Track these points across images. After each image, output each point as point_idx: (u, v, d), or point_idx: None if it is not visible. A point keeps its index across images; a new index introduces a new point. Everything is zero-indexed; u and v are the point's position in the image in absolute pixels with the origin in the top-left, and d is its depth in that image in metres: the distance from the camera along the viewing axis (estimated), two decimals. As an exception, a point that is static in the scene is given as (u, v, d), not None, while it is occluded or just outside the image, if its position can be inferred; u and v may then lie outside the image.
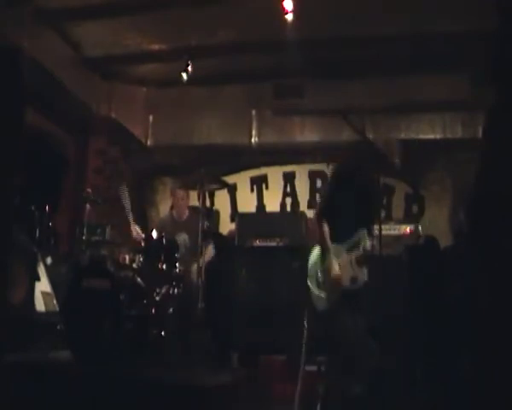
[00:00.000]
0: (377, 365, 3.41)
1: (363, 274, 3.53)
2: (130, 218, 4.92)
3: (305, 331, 3.69)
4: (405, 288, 4.20)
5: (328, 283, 3.56)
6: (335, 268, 3.53)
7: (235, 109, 6.53)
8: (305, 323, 3.69)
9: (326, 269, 3.58)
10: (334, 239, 3.63)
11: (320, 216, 3.74)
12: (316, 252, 3.76)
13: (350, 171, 3.81)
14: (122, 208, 4.92)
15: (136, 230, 4.88)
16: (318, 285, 3.64)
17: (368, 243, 3.55)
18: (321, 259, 3.66)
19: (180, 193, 5.35)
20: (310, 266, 3.75)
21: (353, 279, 3.53)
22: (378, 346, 3.43)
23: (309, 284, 3.69)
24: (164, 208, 6.70)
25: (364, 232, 3.59)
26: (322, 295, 3.60)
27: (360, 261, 3.54)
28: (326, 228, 3.66)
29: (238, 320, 4.93)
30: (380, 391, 3.43)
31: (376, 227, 3.54)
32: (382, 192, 4.00)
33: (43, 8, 4.89)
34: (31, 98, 4.32)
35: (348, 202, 3.65)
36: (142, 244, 4.37)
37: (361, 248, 3.57)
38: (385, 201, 6.16)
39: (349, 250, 3.59)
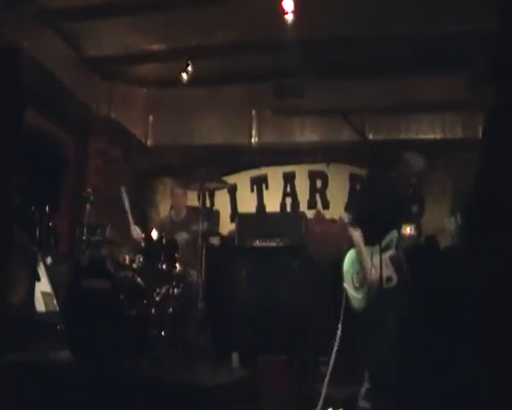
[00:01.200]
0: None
1: (396, 275, 3.69)
2: (131, 219, 4.92)
3: (339, 334, 3.72)
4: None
5: (365, 284, 3.72)
6: (370, 271, 3.66)
7: (235, 109, 6.53)
8: (340, 325, 3.72)
9: (362, 272, 3.75)
10: (368, 242, 3.78)
11: (353, 221, 3.92)
12: (349, 256, 3.88)
13: (376, 174, 3.95)
14: (122, 209, 4.93)
15: (136, 230, 4.88)
16: (355, 287, 3.78)
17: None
18: (357, 261, 3.82)
19: (178, 192, 5.36)
20: (345, 270, 3.91)
21: (388, 279, 3.66)
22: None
23: (345, 286, 3.80)
24: (164, 208, 6.70)
25: (396, 233, 3.74)
26: (360, 296, 3.70)
27: (394, 261, 3.69)
28: (359, 233, 3.85)
29: (238, 320, 4.93)
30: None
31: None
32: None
33: (43, 8, 4.88)
34: (31, 98, 4.32)
35: (378, 205, 3.78)
36: (143, 245, 4.37)
37: (393, 248, 3.73)
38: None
39: (383, 251, 3.66)
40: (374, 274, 3.63)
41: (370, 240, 3.76)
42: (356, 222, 3.91)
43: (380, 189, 3.88)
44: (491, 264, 1.90)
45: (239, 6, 4.79)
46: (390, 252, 3.74)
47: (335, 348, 3.68)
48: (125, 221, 4.93)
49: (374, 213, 3.79)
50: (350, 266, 3.89)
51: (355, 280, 3.80)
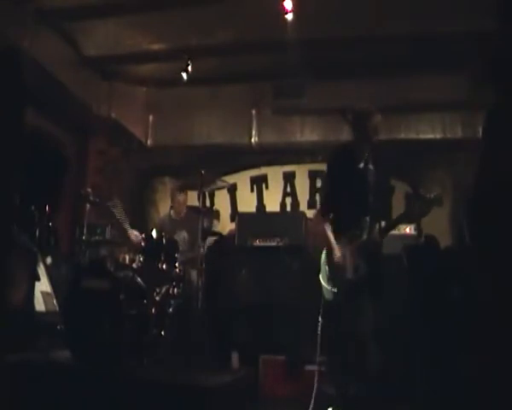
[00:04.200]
0: (378, 365, 3.42)
1: (365, 263, 3.51)
2: (127, 226, 4.89)
3: (320, 329, 3.68)
4: (404, 287, 4.20)
5: (335, 274, 3.58)
6: (338, 258, 3.55)
7: (235, 109, 6.53)
8: (320, 319, 3.68)
9: (332, 262, 3.60)
10: (339, 229, 3.62)
11: (323, 211, 3.77)
12: (325, 250, 3.78)
13: (341, 157, 3.81)
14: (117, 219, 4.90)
15: (133, 234, 4.85)
16: (327, 279, 3.65)
17: (374, 231, 3.51)
18: (327, 255, 3.68)
19: (179, 192, 5.37)
20: (321, 261, 3.75)
21: (356, 268, 3.52)
22: (379, 346, 3.43)
23: (320, 278, 3.71)
24: (164, 208, 6.71)
25: (366, 220, 3.54)
26: (329, 287, 3.61)
27: (361, 250, 3.52)
28: (328, 225, 3.67)
29: (238, 320, 4.93)
30: (379, 391, 3.43)
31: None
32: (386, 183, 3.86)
33: (43, 8, 4.88)
34: (31, 98, 4.31)
35: (345, 191, 3.65)
36: (142, 244, 4.36)
37: (363, 237, 3.54)
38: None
39: (352, 239, 3.57)
40: (342, 265, 3.53)
41: (341, 228, 3.60)
42: (326, 213, 3.75)
43: (344, 170, 3.68)
44: (491, 264, 1.90)
45: (239, 6, 4.79)
46: (359, 241, 3.55)
47: (318, 342, 3.67)
48: (122, 229, 4.91)
49: (342, 199, 3.65)
50: (324, 260, 3.72)
51: (328, 272, 3.65)
